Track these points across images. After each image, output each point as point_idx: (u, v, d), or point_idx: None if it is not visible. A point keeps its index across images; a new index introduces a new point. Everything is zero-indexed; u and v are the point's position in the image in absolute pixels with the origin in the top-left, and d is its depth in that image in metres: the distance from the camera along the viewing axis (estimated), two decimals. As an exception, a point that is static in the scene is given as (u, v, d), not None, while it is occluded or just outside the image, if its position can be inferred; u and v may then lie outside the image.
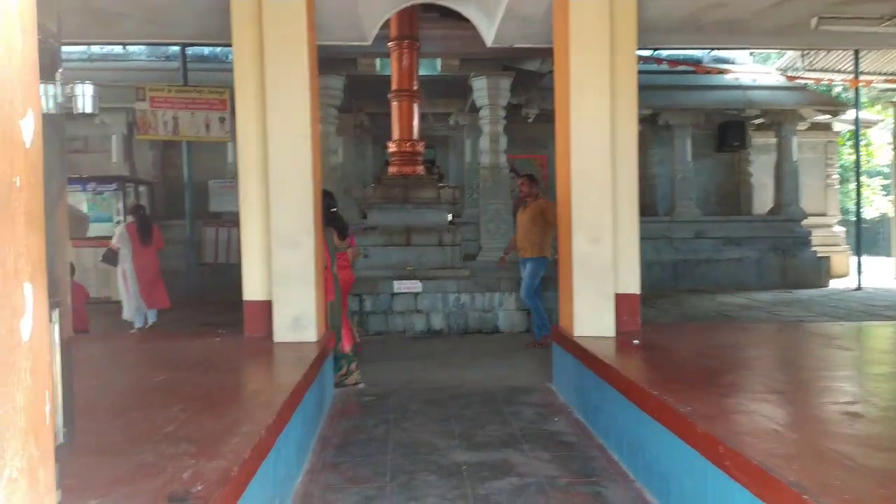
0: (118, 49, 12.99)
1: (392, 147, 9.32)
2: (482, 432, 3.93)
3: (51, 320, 1.81)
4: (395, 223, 8.77)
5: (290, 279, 4.56)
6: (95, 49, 12.96)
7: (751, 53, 15.28)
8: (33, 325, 1.19)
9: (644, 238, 5.00)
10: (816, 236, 14.00)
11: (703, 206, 14.23)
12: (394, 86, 9.20)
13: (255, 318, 4.76)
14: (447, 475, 3.23)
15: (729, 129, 14.03)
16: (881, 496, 1.82)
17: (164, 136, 10.81)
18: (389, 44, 9.02)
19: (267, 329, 4.64)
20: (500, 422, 4.15)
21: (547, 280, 7.38)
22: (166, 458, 2.19)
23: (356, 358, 5.34)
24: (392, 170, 9.30)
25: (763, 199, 14.65)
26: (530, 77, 11.66)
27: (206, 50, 13.14)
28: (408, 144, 9.20)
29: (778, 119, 13.77)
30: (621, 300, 4.71)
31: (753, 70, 14.84)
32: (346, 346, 5.22)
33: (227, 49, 11.64)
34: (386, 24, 7.97)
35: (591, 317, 4.62)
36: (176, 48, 11.45)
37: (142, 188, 12.13)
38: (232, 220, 10.48)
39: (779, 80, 13.81)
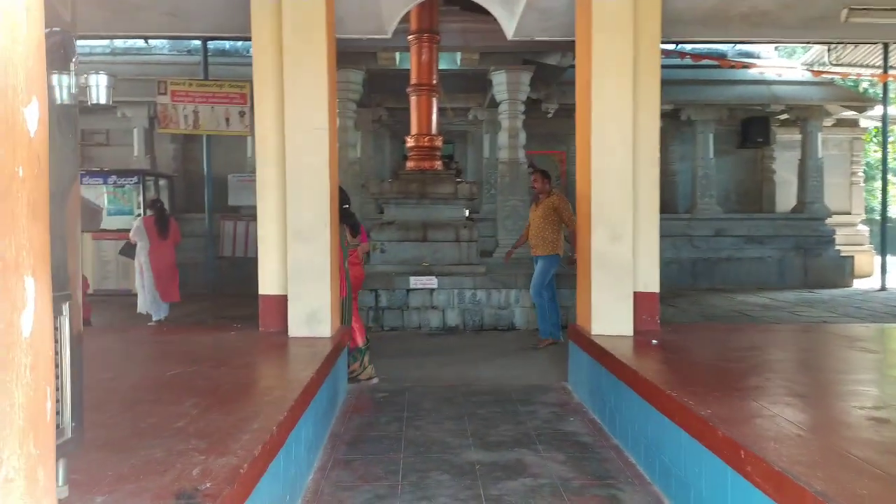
0: (140, 43, 13.09)
1: (410, 142, 9.28)
2: (496, 431, 3.88)
3: (60, 314, 1.80)
4: (411, 218, 8.73)
5: (305, 274, 4.54)
6: (118, 43, 13.08)
7: (776, 48, 15.01)
8: (35, 319, 1.17)
9: (663, 236, 4.91)
10: (840, 235, 13.74)
11: (725, 204, 14.03)
12: (413, 80, 9.14)
13: (271, 312, 4.75)
14: (460, 475, 3.19)
15: (752, 124, 13.81)
16: (911, 508, 1.75)
17: (185, 130, 10.89)
18: (409, 37, 8.96)
19: (282, 323, 4.62)
20: (514, 421, 4.10)
21: (562, 278, 7.30)
22: (175, 455, 2.17)
23: (368, 351, 5.32)
24: (410, 164, 9.26)
25: (786, 196, 14.41)
26: (550, 71, 11.54)
27: (227, 44, 13.20)
28: (426, 139, 9.14)
29: (803, 115, 13.50)
30: (640, 299, 4.63)
31: (778, 65, 14.56)
32: (359, 341, 5.22)
33: (247, 43, 11.66)
34: (406, 18, 7.92)
35: (609, 315, 4.54)
36: (197, 43, 11.51)
37: (162, 182, 12.24)
38: (250, 214, 10.54)
39: (804, 75, 13.52)
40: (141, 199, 11.22)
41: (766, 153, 14.54)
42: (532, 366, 5.96)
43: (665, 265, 5.89)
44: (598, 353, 4.17)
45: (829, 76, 13.20)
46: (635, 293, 4.59)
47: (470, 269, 8.31)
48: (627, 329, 4.53)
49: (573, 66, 5.12)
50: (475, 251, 8.70)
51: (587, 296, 4.66)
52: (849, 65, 12.82)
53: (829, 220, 13.44)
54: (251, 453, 2.18)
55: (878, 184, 14.00)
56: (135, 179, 11.35)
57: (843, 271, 12.70)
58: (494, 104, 11.91)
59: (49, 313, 1.24)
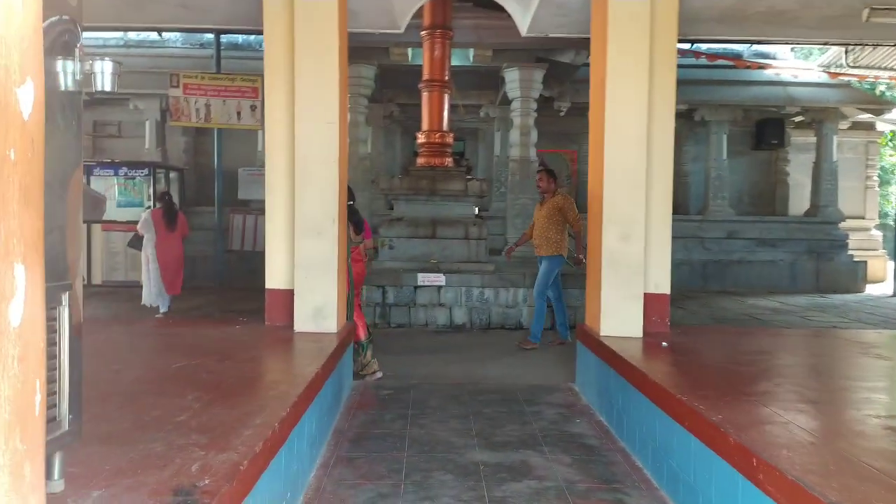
0: (154, 36, 13.09)
1: (421, 138, 9.23)
2: (501, 432, 3.83)
3: (59, 304, 1.77)
4: (421, 215, 8.69)
5: (313, 269, 4.50)
6: (132, 36, 13.10)
7: (792, 49, 14.82)
8: (24, 309, 1.13)
9: (674, 237, 4.84)
10: (853, 240, 13.57)
11: (737, 206, 13.88)
12: (425, 76, 9.09)
13: (277, 306, 4.72)
14: (464, 475, 3.15)
15: (767, 126, 13.65)
16: (931, 522, 1.68)
17: (196, 123, 10.91)
18: (422, 33, 8.91)
19: (288, 318, 4.59)
20: (520, 421, 4.05)
21: (570, 277, 7.23)
22: (176, 449, 2.13)
23: (371, 345, 5.30)
24: (420, 161, 9.22)
25: (799, 199, 14.23)
26: (564, 69, 11.44)
27: (240, 38, 13.19)
28: (437, 136, 9.09)
29: (819, 117, 13.33)
30: (650, 300, 4.57)
31: (795, 66, 14.37)
32: (361, 335, 5.20)
33: (260, 37, 11.61)
34: (419, 13, 7.86)
35: (619, 316, 4.48)
36: (210, 36, 11.50)
37: (172, 174, 12.25)
38: (259, 208, 10.51)
39: (820, 76, 13.35)
40: (151, 191, 11.24)
41: (781, 155, 14.37)
42: (539, 366, 5.91)
43: (675, 267, 5.80)
44: (607, 354, 4.11)
45: (846, 78, 13.03)
46: (645, 294, 4.53)
47: (478, 267, 8.26)
48: (637, 330, 4.46)
49: (587, 65, 5.06)
50: (484, 249, 8.65)
51: (597, 295, 4.60)
52: (866, 67, 12.63)
53: (842, 225, 13.27)
54: (252, 449, 2.14)
55: (893, 188, 13.83)
56: (145, 171, 11.36)
57: (855, 276, 12.55)
58: (506, 101, 11.83)
59: (41, 303, 1.20)
